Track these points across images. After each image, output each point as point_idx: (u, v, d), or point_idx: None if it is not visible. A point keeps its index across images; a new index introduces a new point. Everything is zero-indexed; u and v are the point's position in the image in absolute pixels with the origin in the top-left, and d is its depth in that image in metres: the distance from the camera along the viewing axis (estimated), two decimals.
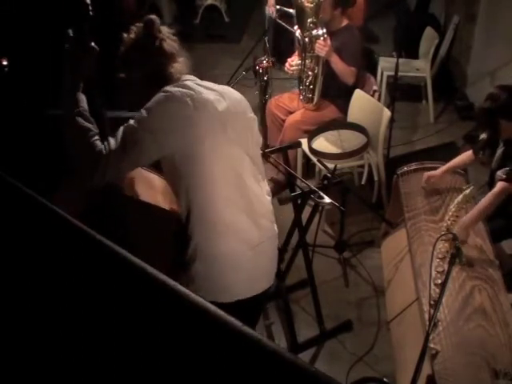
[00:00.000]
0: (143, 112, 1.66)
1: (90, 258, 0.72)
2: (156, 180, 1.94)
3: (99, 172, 1.59)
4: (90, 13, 1.60)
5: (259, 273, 1.91)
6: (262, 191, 1.91)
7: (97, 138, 1.62)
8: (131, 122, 1.66)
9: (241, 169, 1.80)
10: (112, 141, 1.62)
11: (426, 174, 2.98)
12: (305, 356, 2.70)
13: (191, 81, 1.79)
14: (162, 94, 1.69)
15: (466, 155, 2.92)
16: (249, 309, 1.90)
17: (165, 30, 1.79)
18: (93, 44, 1.65)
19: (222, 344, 0.63)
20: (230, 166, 1.77)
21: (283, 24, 4.50)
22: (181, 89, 1.71)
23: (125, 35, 1.79)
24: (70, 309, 0.70)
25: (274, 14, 4.44)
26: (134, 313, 0.67)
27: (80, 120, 1.62)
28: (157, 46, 1.75)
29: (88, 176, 1.62)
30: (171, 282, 0.66)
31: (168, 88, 1.71)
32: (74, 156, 1.65)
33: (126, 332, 0.67)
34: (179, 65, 1.79)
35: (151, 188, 1.91)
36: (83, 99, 1.66)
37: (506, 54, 4.12)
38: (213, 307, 0.65)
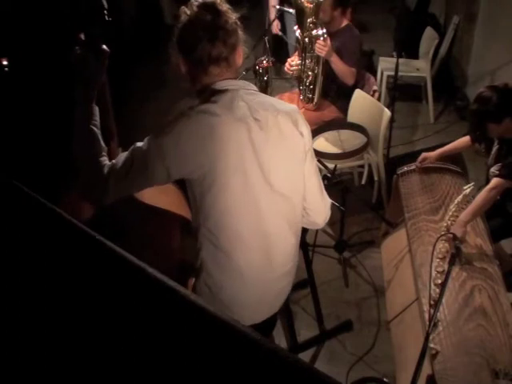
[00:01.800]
0: (156, 134, 1.52)
1: (90, 259, 0.72)
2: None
3: (101, 192, 1.52)
4: (106, 17, 1.54)
5: (260, 306, 1.80)
6: (286, 229, 1.71)
7: (103, 154, 1.54)
8: (140, 143, 1.54)
9: (261, 204, 1.62)
10: (119, 161, 1.52)
11: (423, 154, 3.01)
12: (305, 356, 2.70)
13: (236, 91, 1.58)
14: (191, 117, 1.52)
15: (463, 140, 2.95)
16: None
17: (225, 16, 1.53)
18: (104, 46, 1.56)
19: (222, 344, 0.63)
20: (250, 199, 1.60)
21: (283, 37, 4.61)
22: (211, 114, 1.52)
23: (182, 9, 1.55)
24: (70, 309, 0.71)
25: (279, 33, 4.57)
26: (133, 313, 0.67)
27: (90, 134, 1.53)
28: (211, 36, 1.51)
29: (90, 193, 1.56)
30: (171, 283, 0.66)
31: (194, 110, 1.53)
32: (79, 170, 1.56)
33: (126, 332, 0.67)
34: (234, 59, 1.58)
35: (161, 192, 1.90)
36: (96, 112, 1.55)
37: (506, 54, 4.12)
38: (212, 308, 0.65)
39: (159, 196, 1.87)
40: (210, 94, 1.57)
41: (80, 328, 0.69)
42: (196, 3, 1.54)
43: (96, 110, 1.56)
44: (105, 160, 1.54)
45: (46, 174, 2.13)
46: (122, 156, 1.55)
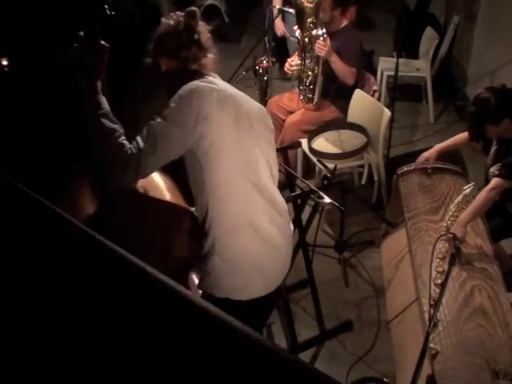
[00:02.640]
0: (170, 105, 1.68)
1: (90, 258, 0.72)
2: (159, 178, 1.94)
3: (131, 171, 1.60)
4: (107, 11, 1.58)
5: (274, 271, 1.92)
6: (277, 190, 1.94)
7: (123, 137, 1.63)
8: (157, 117, 1.67)
9: (258, 167, 1.83)
10: (140, 139, 1.64)
11: (422, 155, 3.01)
12: (305, 356, 2.70)
13: (217, 79, 1.84)
14: (188, 86, 1.72)
15: (461, 137, 2.94)
16: (261, 307, 1.92)
17: (203, 25, 1.83)
18: (102, 42, 1.63)
19: (222, 344, 0.63)
20: (248, 163, 1.80)
21: (291, 38, 4.59)
22: (206, 83, 1.75)
23: (163, 20, 1.81)
24: (71, 309, 0.70)
25: (286, 34, 4.52)
26: (133, 313, 0.67)
27: (105, 122, 1.61)
28: (195, 38, 1.78)
29: (119, 176, 1.61)
30: (171, 282, 0.66)
31: (194, 82, 1.74)
32: (102, 158, 1.63)
33: (126, 332, 0.67)
34: (209, 60, 1.83)
35: (156, 186, 1.91)
36: (104, 101, 1.65)
37: (506, 54, 4.12)
38: (212, 307, 0.65)
39: (160, 192, 1.88)
40: (198, 76, 1.79)
41: (80, 328, 0.69)
42: (180, 13, 1.81)
43: (103, 99, 1.66)
44: (125, 139, 1.63)
45: (46, 173, 2.13)
46: (144, 134, 1.65)
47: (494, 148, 2.73)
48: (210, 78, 1.80)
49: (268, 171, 1.88)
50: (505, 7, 4.22)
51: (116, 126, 1.63)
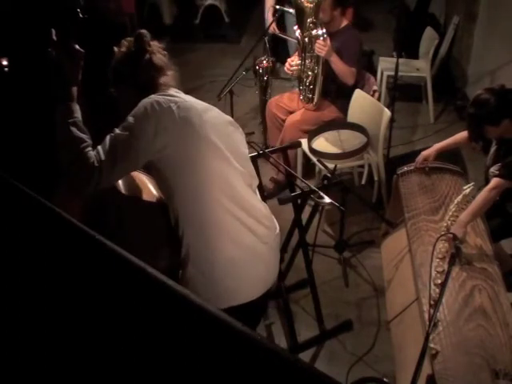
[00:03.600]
0: (129, 119, 1.67)
1: (90, 258, 0.72)
2: (143, 176, 1.93)
3: (92, 183, 1.59)
4: (80, 15, 1.56)
5: (255, 278, 1.86)
6: (256, 197, 1.91)
7: (90, 148, 1.62)
8: (117, 129, 1.66)
9: (229, 175, 1.79)
10: (101, 150, 1.62)
11: (422, 154, 3.00)
12: (305, 356, 2.70)
13: (177, 92, 1.83)
14: (146, 99, 1.71)
15: (461, 136, 2.93)
16: (244, 314, 1.87)
17: (155, 44, 1.84)
18: (77, 47, 1.62)
19: (222, 344, 0.63)
20: (216, 171, 1.76)
21: (282, 36, 4.58)
22: (165, 96, 1.74)
23: (116, 49, 1.83)
24: (70, 309, 0.70)
25: (277, 31, 4.51)
26: (133, 312, 0.67)
27: (74, 130, 1.60)
28: (147, 60, 1.79)
29: (81, 186, 1.61)
30: (171, 282, 0.66)
31: (153, 95, 1.74)
32: (66, 166, 1.62)
33: (126, 331, 0.67)
34: (168, 78, 1.83)
35: (141, 182, 1.90)
36: (77, 109, 1.65)
37: (506, 54, 4.12)
38: (213, 307, 0.65)
39: (149, 190, 1.87)
40: (162, 91, 1.80)
41: (80, 327, 0.69)
42: (130, 38, 1.82)
43: (76, 107, 1.65)
44: (91, 151, 1.62)
45: (43, 174, 2.13)
46: (105, 144, 1.64)
47: (493, 148, 2.73)
48: (171, 92, 1.79)
49: (241, 178, 1.83)
50: (505, 7, 4.22)
51: (84, 136, 1.62)
